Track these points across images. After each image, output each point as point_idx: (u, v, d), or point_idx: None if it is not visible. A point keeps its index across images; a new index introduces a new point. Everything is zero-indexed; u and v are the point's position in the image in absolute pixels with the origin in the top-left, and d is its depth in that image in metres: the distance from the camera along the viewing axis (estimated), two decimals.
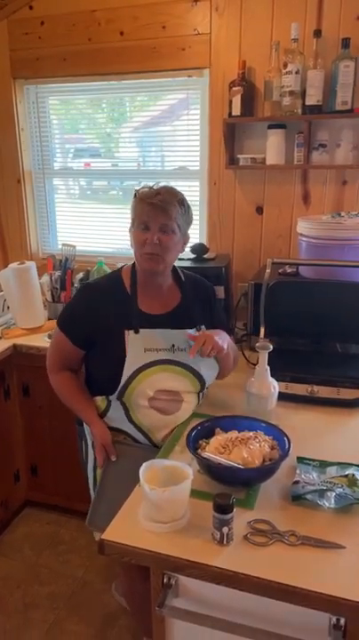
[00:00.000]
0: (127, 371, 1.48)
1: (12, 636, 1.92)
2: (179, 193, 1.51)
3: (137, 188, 1.53)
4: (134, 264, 1.59)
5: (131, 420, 1.53)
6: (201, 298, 1.66)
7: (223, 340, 1.50)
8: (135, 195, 1.51)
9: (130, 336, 1.50)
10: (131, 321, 1.52)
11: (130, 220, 1.54)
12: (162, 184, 1.52)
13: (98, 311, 1.54)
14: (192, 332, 1.54)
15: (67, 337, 1.57)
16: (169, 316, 1.57)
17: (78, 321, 1.57)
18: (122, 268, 1.63)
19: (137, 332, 1.51)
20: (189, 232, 1.57)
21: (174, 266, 1.63)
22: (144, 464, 1.17)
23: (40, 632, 1.93)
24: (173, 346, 1.52)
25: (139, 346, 1.50)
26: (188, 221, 1.54)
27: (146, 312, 1.55)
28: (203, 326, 1.59)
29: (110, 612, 2.00)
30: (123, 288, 1.57)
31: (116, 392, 1.50)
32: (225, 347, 1.50)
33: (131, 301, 1.54)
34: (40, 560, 2.26)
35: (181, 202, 1.49)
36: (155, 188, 1.50)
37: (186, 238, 1.56)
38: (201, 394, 1.62)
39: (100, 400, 1.57)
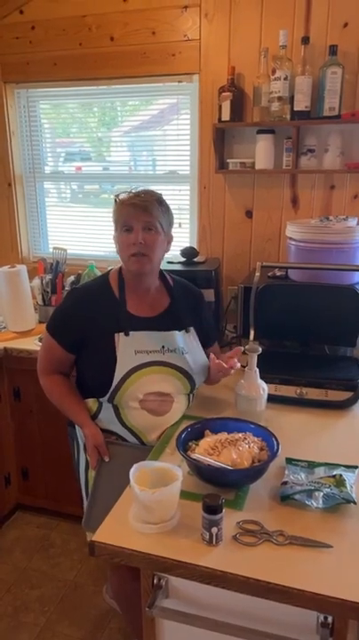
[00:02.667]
0: (118, 373, 1.49)
1: (2, 639, 1.92)
2: (157, 193, 1.54)
3: (116, 194, 1.55)
4: (121, 268, 1.60)
5: (121, 422, 1.54)
6: (190, 303, 1.68)
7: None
8: (115, 200, 1.53)
9: (120, 339, 1.51)
10: (121, 324, 1.53)
11: (113, 227, 1.55)
12: (140, 188, 1.55)
13: (87, 315, 1.55)
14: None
15: (57, 342, 1.57)
16: (158, 319, 1.59)
17: (67, 325, 1.58)
18: (109, 271, 1.64)
19: (127, 334, 1.52)
20: (172, 232, 1.60)
21: (161, 270, 1.65)
22: (134, 465, 1.18)
23: (31, 635, 1.93)
24: (163, 347, 1.54)
25: (129, 348, 1.51)
26: (170, 221, 1.57)
27: (135, 314, 1.57)
28: (191, 328, 1.61)
29: (101, 615, 2.01)
30: (111, 291, 1.58)
31: (108, 394, 1.50)
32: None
33: (120, 304, 1.56)
34: (31, 563, 2.26)
35: (160, 201, 1.53)
36: (133, 191, 1.53)
37: (169, 238, 1.58)
38: (191, 395, 1.63)
39: (92, 402, 1.57)
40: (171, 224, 1.58)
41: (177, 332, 1.58)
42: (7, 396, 2.34)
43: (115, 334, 1.52)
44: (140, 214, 1.48)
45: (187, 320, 1.62)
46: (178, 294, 1.65)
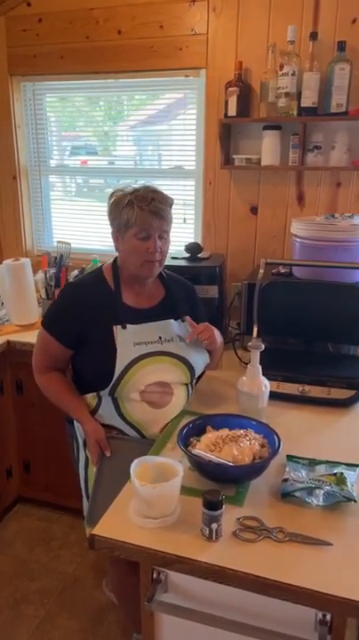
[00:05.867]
0: (119, 366, 1.49)
1: (2, 630, 1.93)
2: (167, 196, 1.53)
3: (113, 190, 1.53)
4: (115, 261, 1.60)
5: (121, 416, 1.54)
6: (184, 294, 1.70)
7: (218, 335, 1.61)
8: (131, 202, 1.46)
9: (118, 331, 1.52)
10: (118, 316, 1.53)
11: (114, 224, 1.53)
12: (141, 183, 1.54)
13: (83, 309, 1.55)
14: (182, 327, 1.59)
15: (54, 337, 1.56)
16: (154, 310, 1.60)
17: (64, 320, 1.57)
18: (102, 266, 1.65)
19: (124, 327, 1.52)
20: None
21: None
22: (135, 460, 1.19)
23: (30, 627, 1.94)
24: (160, 337, 1.55)
25: (128, 340, 1.52)
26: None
27: (131, 306, 1.57)
28: (187, 317, 1.62)
29: (100, 608, 2.02)
30: (106, 285, 1.58)
31: (108, 388, 1.50)
32: (218, 342, 1.62)
33: (116, 297, 1.56)
34: (31, 556, 2.27)
35: (171, 205, 1.54)
36: (140, 190, 1.48)
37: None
38: (190, 386, 1.63)
39: (91, 397, 1.57)
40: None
41: (173, 320, 1.60)
42: (10, 388, 2.35)
43: (114, 326, 1.52)
44: (158, 222, 1.48)
45: (182, 309, 1.64)
46: (171, 285, 1.67)
